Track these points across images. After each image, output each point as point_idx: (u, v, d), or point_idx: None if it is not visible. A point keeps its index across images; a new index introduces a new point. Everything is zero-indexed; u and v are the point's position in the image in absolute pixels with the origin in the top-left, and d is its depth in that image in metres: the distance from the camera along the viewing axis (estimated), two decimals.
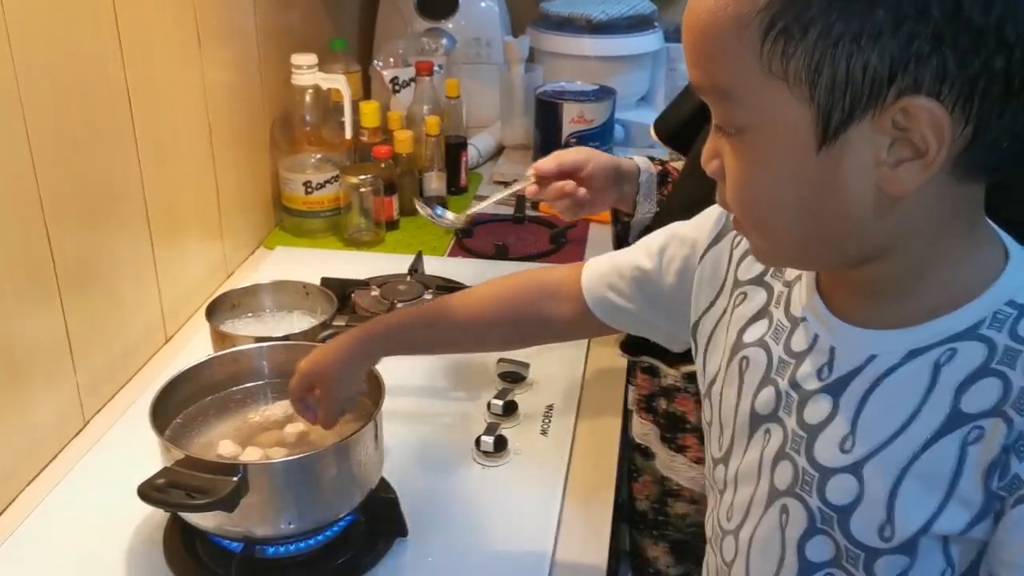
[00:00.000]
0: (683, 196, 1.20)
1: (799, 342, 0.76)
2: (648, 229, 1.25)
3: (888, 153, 0.62)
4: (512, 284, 1.07)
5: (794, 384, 0.76)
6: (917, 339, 0.69)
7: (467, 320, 1.05)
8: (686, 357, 1.19)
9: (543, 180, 1.24)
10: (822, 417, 0.73)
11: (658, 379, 1.26)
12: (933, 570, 0.69)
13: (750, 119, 0.66)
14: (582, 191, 1.24)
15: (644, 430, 1.29)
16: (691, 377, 1.19)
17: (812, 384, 0.74)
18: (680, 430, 1.23)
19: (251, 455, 1.05)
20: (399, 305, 1.49)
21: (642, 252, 0.96)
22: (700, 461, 1.21)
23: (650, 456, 1.30)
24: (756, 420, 0.80)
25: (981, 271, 0.68)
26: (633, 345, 1.25)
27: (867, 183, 0.64)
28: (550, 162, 1.25)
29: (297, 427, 1.09)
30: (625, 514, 1.38)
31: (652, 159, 1.33)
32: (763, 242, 0.73)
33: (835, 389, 0.73)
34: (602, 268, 1.00)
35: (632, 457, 1.32)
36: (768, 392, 0.78)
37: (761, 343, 0.80)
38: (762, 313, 0.81)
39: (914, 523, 0.68)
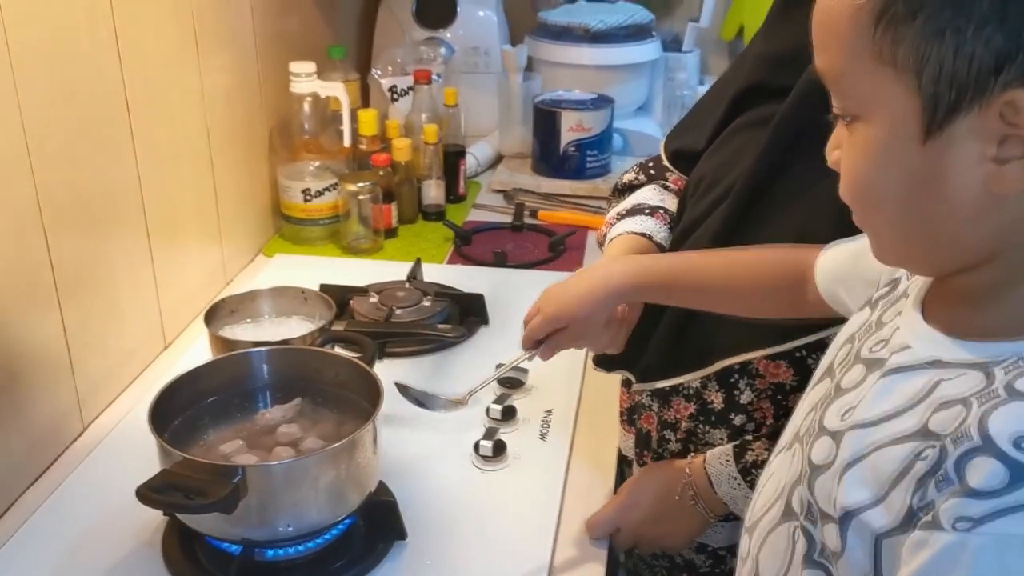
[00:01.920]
0: (686, 219, 1.19)
1: (877, 333, 0.76)
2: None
3: (996, 149, 0.60)
4: (776, 259, 1.04)
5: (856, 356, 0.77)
6: (965, 353, 0.66)
7: (724, 289, 1.05)
8: (656, 373, 1.17)
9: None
10: (852, 383, 0.74)
11: (631, 395, 1.24)
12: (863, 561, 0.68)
13: (860, 106, 0.66)
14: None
15: (627, 443, 1.27)
16: (657, 395, 1.17)
17: (864, 353, 0.75)
18: (646, 447, 1.21)
19: (251, 458, 1.05)
20: (398, 312, 1.49)
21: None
22: None
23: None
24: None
25: None
26: (606, 360, 1.23)
27: (973, 180, 0.62)
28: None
29: (294, 430, 1.09)
30: None
31: (663, 185, 1.30)
32: (873, 239, 0.72)
33: (871, 364, 0.73)
34: (839, 264, 0.96)
35: (622, 469, 1.31)
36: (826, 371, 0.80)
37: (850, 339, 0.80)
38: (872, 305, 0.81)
39: (846, 507, 0.68)
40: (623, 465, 1.30)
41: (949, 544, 0.59)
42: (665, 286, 1.07)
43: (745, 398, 1.08)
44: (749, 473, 1.05)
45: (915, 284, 0.76)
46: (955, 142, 0.61)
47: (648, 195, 1.28)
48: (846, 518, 0.67)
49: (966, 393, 0.63)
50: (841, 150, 0.69)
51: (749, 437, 1.08)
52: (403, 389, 1.13)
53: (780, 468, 0.81)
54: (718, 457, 1.07)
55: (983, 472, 0.59)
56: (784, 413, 1.06)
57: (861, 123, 0.66)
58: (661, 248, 1.21)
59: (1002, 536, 0.57)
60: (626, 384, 1.24)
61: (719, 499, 1.07)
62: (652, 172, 1.32)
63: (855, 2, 0.62)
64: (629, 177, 1.33)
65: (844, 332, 0.82)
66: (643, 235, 1.21)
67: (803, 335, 1.03)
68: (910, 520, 0.62)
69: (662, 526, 1.11)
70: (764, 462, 0.95)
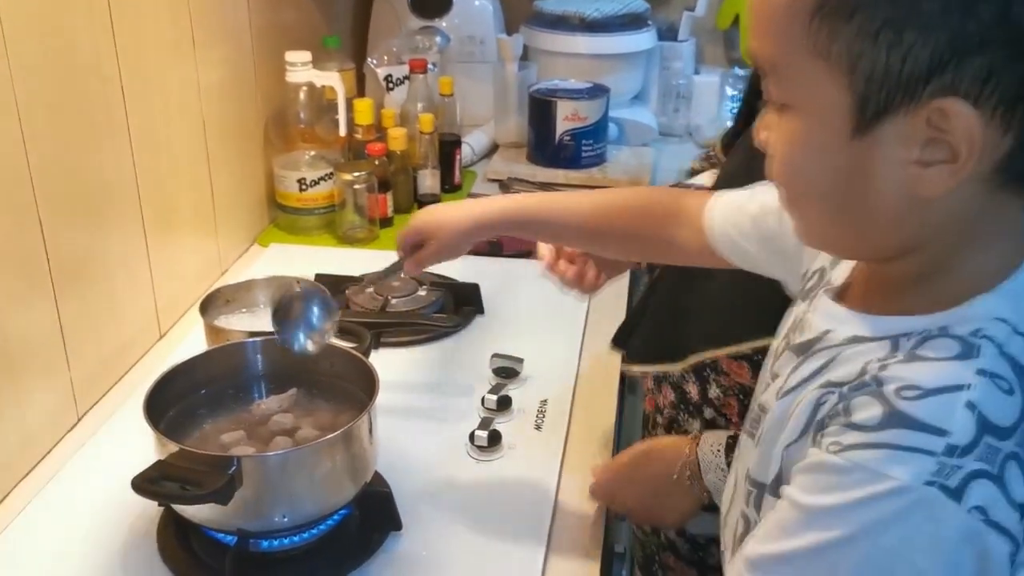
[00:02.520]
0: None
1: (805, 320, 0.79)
2: None
3: (921, 152, 0.62)
4: (643, 200, 1.09)
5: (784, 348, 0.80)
6: (880, 328, 0.69)
7: (594, 225, 1.08)
8: (639, 357, 1.19)
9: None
10: (785, 369, 0.76)
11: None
12: None
13: (793, 96, 0.66)
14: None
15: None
16: (654, 378, 1.19)
17: (793, 340, 0.78)
18: (645, 427, 1.22)
19: (246, 449, 1.05)
20: (393, 301, 1.49)
21: (770, 198, 0.95)
22: None
23: None
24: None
25: (984, 280, 0.66)
26: (619, 336, 1.24)
27: (897, 180, 0.63)
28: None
29: (289, 421, 1.09)
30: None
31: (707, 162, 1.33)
32: (798, 221, 0.74)
33: (799, 350, 0.76)
34: (728, 204, 1.00)
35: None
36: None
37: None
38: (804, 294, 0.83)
39: (776, 468, 0.72)
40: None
41: (818, 458, 0.65)
42: (533, 222, 1.11)
43: (713, 393, 1.11)
44: None
45: (839, 273, 0.79)
46: (882, 142, 0.63)
47: (703, 179, 1.32)
48: (776, 479, 0.71)
49: (868, 357, 0.67)
50: (771, 132, 0.70)
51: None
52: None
53: (736, 466, 0.84)
54: (711, 444, 1.08)
55: (865, 410, 0.63)
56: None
57: (792, 111, 0.67)
58: None
59: (854, 464, 0.62)
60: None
61: (704, 486, 1.08)
62: (713, 160, 1.35)
63: None
64: (693, 164, 1.38)
65: (781, 327, 0.84)
66: None
67: (759, 337, 1.04)
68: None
69: (658, 501, 1.11)
70: None
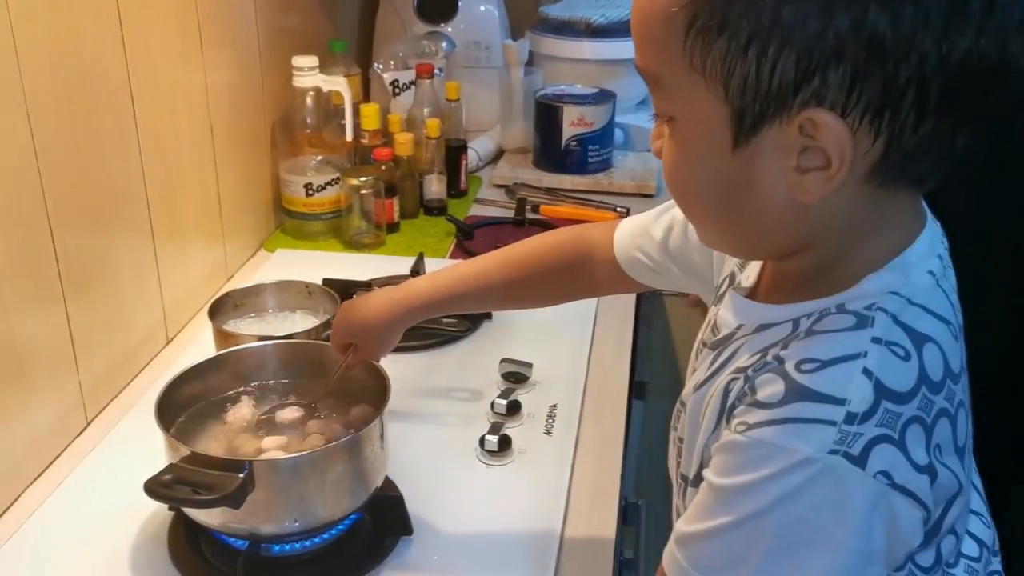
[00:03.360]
0: None
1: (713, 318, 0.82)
2: None
3: (797, 160, 0.64)
4: (552, 246, 1.09)
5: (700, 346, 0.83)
6: (782, 314, 0.71)
7: (509, 284, 1.08)
8: None
9: None
10: (703, 367, 0.78)
11: None
12: None
13: (676, 109, 0.68)
14: None
15: None
16: None
17: (707, 339, 0.81)
18: None
19: (258, 453, 1.04)
20: None
21: (670, 216, 0.99)
22: None
23: None
24: None
25: (875, 261, 0.69)
26: None
27: (779, 187, 0.65)
28: None
29: (301, 426, 1.09)
30: None
31: None
32: (695, 226, 0.78)
33: (715, 346, 0.78)
34: (633, 230, 1.02)
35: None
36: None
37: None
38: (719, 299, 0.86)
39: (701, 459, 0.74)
40: None
41: (727, 439, 0.67)
42: (454, 299, 1.12)
43: None
44: None
45: (748, 274, 0.81)
46: (762, 152, 0.65)
47: None
48: (697, 475, 0.73)
49: (772, 340, 0.70)
50: (662, 142, 0.72)
51: None
52: None
53: (669, 463, 0.87)
54: None
55: (767, 388, 0.66)
56: None
57: (677, 124, 0.69)
58: None
59: (760, 441, 0.64)
60: None
61: None
62: None
63: (668, 8, 0.64)
64: None
65: (699, 336, 0.86)
66: None
67: None
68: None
69: None
70: None
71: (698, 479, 0.73)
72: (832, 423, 0.62)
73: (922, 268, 0.69)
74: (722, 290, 0.85)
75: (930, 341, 0.67)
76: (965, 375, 0.71)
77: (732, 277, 0.84)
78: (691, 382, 0.80)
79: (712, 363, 0.76)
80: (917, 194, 0.71)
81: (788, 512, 0.63)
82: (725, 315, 0.78)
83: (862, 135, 0.62)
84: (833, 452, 0.62)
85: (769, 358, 0.68)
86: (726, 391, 0.71)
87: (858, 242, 0.69)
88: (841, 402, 0.63)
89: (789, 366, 0.65)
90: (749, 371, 0.69)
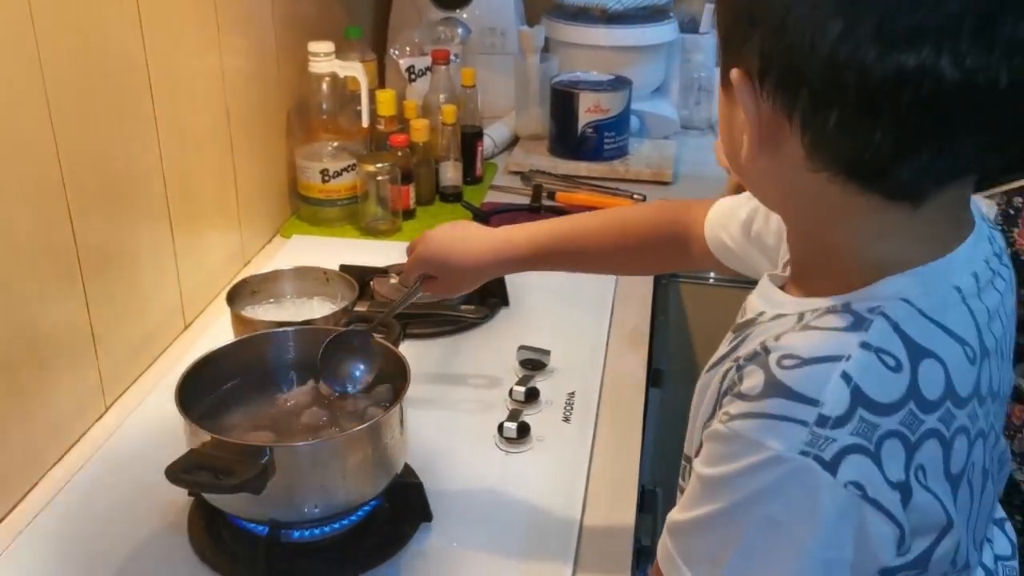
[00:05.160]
0: None
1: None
2: None
3: (737, 119, 0.67)
4: (654, 219, 1.09)
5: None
6: (795, 306, 0.71)
7: (610, 251, 1.09)
8: None
9: None
10: (720, 350, 0.79)
11: None
12: None
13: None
14: None
15: None
16: None
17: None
18: None
19: (278, 439, 1.04)
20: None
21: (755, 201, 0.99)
22: None
23: None
24: None
25: (899, 265, 0.67)
26: None
27: (738, 139, 0.68)
28: None
29: (321, 412, 1.09)
30: None
31: None
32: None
33: (736, 329, 0.78)
34: (724, 211, 1.02)
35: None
36: None
37: None
38: None
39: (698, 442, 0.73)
40: None
41: (712, 429, 0.67)
42: (551, 255, 1.11)
43: None
44: None
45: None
46: (731, 100, 0.68)
47: None
48: (697, 453, 0.72)
49: (775, 331, 0.69)
50: None
51: None
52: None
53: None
54: None
55: (751, 379, 0.65)
56: None
57: None
58: None
59: (736, 434, 0.64)
60: None
61: None
62: None
63: None
64: None
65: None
66: None
67: None
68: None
69: None
70: None
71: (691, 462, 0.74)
72: (803, 423, 0.61)
73: (948, 281, 0.67)
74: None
75: (931, 357, 0.64)
76: (989, 403, 0.68)
77: (785, 265, 0.82)
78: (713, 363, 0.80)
79: (727, 346, 0.76)
80: (954, 204, 0.68)
81: (761, 509, 0.63)
82: (753, 299, 0.78)
83: (776, 112, 0.63)
84: (804, 453, 0.61)
85: (758, 347, 0.67)
86: (723, 378, 0.71)
87: (859, 239, 0.68)
88: (814, 403, 0.61)
89: (772, 359, 0.64)
90: (743, 360, 0.68)
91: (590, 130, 2.08)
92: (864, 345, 0.63)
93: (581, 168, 2.09)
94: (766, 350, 0.66)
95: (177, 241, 1.42)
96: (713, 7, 0.69)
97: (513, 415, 1.23)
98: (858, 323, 0.64)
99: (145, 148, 1.33)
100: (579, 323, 1.48)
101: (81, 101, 1.16)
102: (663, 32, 2.23)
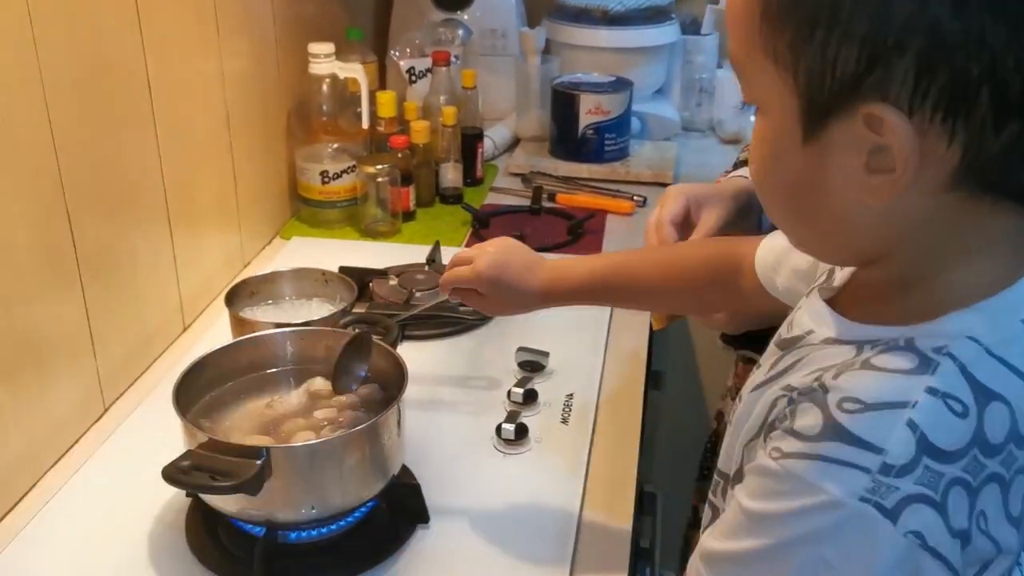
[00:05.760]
0: None
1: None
2: None
3: (868, 159, 0.60)
4: (706, 258, 1.06)
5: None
6: (852, 333, 0.68)
7: (663, 290, 1.07)
8: None
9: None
10: (765, 366, 0.76)
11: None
12: None
13: (756, 98, 0.66)
14: None
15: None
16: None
17: (782, 333, 0.78)
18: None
19: (274, 440, 1.04)
20: (418, 295, 1.48)
21: None
22: None
23: None
24: None
25: (964, 296, 0.64)
26: (734, 337, 1.22)
27: (849, 186, 0.62)
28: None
29: (321, 413, 1.09)
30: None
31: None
32: (776, 222, 0.74)
33: (782, 344, 0.76)
34: (773, 245, 0.99)
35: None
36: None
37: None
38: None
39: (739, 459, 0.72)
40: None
41: (760, 463, 0.65)
42: (601, 289, 1.10)
43: None
44: None
45: (842, 274, 0.76)
46: (831, 147, 0.62)
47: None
48: (736, 473, 0.71)
49: (830, 362, 0.66)
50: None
51: None
52: None
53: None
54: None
55: (806, 418, 0.62)
56: None
57: (760, 113, 0.67)
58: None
59: (789, 473, 0.61)
60: (750, 363, 1.25)
61: None
62: None
63: None
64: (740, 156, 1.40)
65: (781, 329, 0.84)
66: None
67: None
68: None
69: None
70: None
71: (737, 479, 0.71)
72: (866, 470, 0.59)
73: (1017, 314, 0.64)
74: (817, 284, 0.81)
75: (998, 400, 0.61)
76: None
77: (830, 273, 0.80)
78: (753, 378, 0.77)
79: (774, 364, 0.74)
80: (1017, 231, 0.64)
81: (813, 551, 0.60)
82: (802, 316, 0.75)
83: (935, 137, 0.58)
84: (864, 500, 0.58)
85: (815, 384, 0.64)
86: (772, 405, 0.68)
87: (943, 262, 0.65)
88: (878, 451, 0.59)
89: (832, 400, 0.62)
90: (795, 393, 0.65)
91: (591, 132, 2.08)
92: (931, 391, 0.60)
93: (582, 170, 2.09)
94: (823, 388, 0.63)
95: (176, 243, 1.42)
96: (818, 52, 0.60)
97: (511, 416, 1.23)
98: (924, 365, 0.61)
99: (144, 149, 1.33)
100: (578, 325, 1.48)
101: (80, 102, 1.16)
102: (664, 33, 2.23)
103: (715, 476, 0.80)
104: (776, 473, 0.63)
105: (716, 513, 0.78)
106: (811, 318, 0.73)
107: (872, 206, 0.62)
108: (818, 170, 0.63)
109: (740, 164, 1.36)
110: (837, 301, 0.73)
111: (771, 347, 0.78)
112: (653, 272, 1.07)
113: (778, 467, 0.62)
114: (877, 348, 0.64)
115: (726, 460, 0.77)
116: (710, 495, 0.81)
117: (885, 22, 0.56)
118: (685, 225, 1.17)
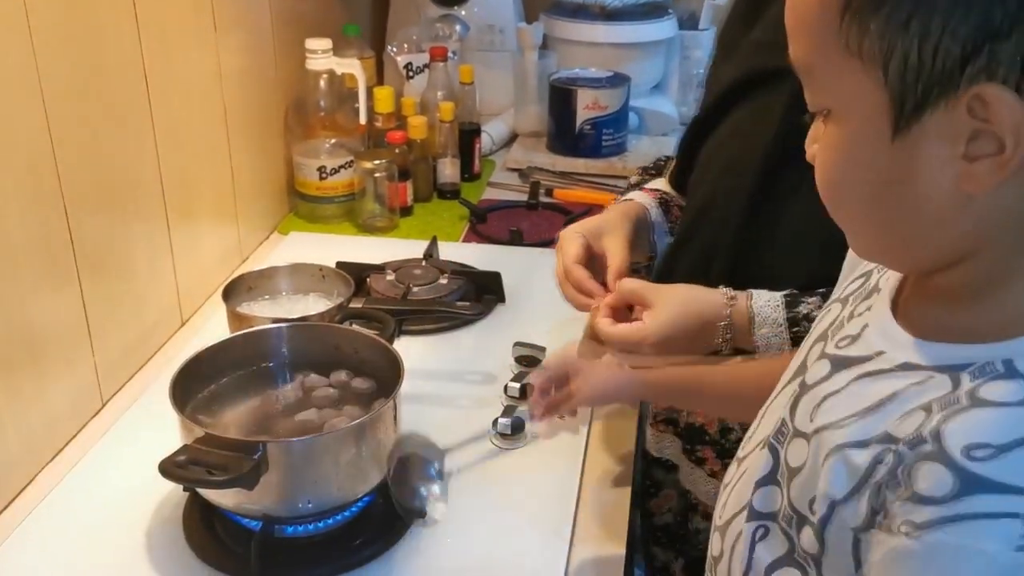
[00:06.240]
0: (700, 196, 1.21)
1: (845, 328, 0.74)
2: (666, 258, 1.25)
3: (966, 147, 0.58)
4: (769, 368, 0.99)
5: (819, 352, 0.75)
6: (935, 356, 0.64)
7: (731, 399, 1.06)
8: None
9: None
10: (817, 378, 0.72)
11: None
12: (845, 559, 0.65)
13: (831, 100, 0.64)
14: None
15: (663, 443, 1.27)
16: None
17: (829, 348, 0.73)
18: (699, 442, 1.21)
19: (271, 435, 1.05)
20: (415, 289, 1.49)
21: None
22: (715, 475, 1.19)
23: (671, 469, 1.26)
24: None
25: None
26: None
27: (943, 179, 0.59)
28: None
29: (315, 408, 1.09)
30: (643, 529, 1.36)
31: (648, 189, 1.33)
32: (847, 233, 0.70)
33: (838, 362, 0.71)
34: None
35: (649, 472, 1.31)
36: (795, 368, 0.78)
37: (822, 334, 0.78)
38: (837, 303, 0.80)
39: (820, 507, 0.66)
40: (653, 467, 1.29)
41: (896, 547, 0.59)
42: (677, 397, 1.13)
43: None
44: (796, 324, 1.03)
45: (887, 278, 0.73)
46: (924, 139, 0.59)
47: (657, 183, 1.36)
48: (823, 519, 0.66)
49: (929, 399, 0.61)
50: (819, 144, 0.67)
51: (796, 291, 1.06)
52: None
53: (751, 468, 0.78)
54: (767, 300, 1.05)
55: (932, 479, 0.57)
56: None
57: (833, 118, 0.64)
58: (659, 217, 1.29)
59: (938, 545, 0.57)
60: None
61: (753, 341, 1.05)
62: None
63: None
64: (635, 179, 1.40)
65: (814, 330, 0.80)
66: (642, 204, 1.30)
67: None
68: (872, 520, 0.61)
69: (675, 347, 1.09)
70: (813, 318, 0.95)
71: (803, 519, 0.67)
72: (1015, 515, 0.55)
73: None
74: (852, 287, 0.78)
75: None
76: None
77: (867, 277, 0.77)
78: (807, 403, 0.72)
79: (842, 396, 0.68)
80: None
81: None
82: (869, 333, 0.70)
83: None
84: (1020, 549, 0.54)
85: (925, 433, 0.59)
86: (874, 462, 0.62)
87: None
88: (1023, 492, 0.55)
89: (955, 450, 0.57)
90: (901, 446, 0.60)
91: (588, 127, 2.08)
92: None
93: (579, 165, 2.09)
94: (937, 438, 0.58)
95: (174, 238, 1.43)
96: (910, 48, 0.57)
97: (508, 411, 1.23)
98: None
99: (141, 145, 1.33)
100: (574, 320, 1.47)
101: (77, 99, 1.17)
102: (662, 28, 2.23)
103: (750, 497, 0.75)
104: (921, 553, 0.58)
105: (789, 538, 0.71)
106: (881, 338, 0.69)
107: (971, 195, 0.59)
108: (907, 166, 0.60)
109: (631, 188, 1.37)
110: (898, 310, 0.70)
111: (817, 357, 0.74)
112: (720, 383, 1.07)
113: (920, 546, 0.58)
114: (975, 377, 0.60)
115: (799, 497, 0.70)
116: (780, 522, 0.73)
117: (994, 6, 0.55)
118: (591, 261, 1.18)
